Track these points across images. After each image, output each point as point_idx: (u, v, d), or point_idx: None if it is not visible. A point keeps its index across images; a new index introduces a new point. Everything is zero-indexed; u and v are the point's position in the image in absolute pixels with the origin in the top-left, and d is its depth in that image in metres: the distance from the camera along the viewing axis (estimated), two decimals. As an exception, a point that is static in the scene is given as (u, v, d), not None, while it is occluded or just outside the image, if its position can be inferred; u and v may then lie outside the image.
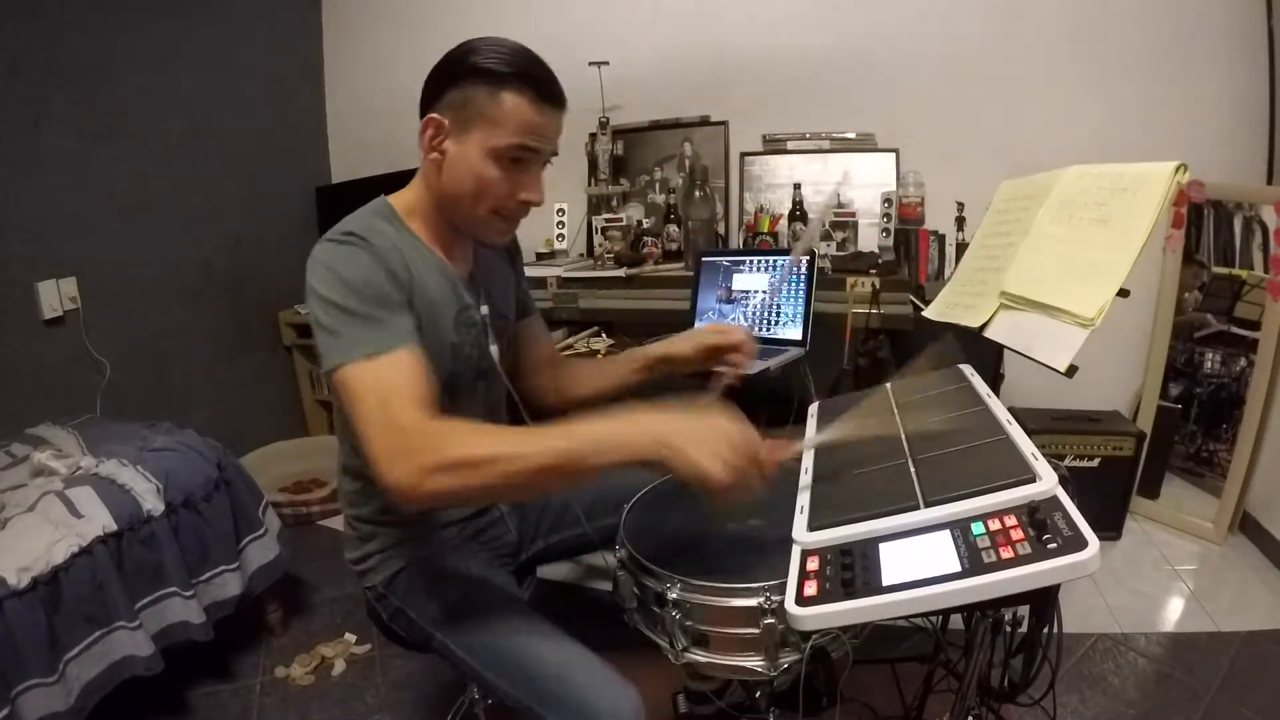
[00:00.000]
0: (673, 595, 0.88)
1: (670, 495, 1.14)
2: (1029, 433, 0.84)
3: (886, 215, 2.23)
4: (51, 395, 1.95)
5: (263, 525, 1.78)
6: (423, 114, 0.94)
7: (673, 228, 2.31)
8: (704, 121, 2.48)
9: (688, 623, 0.89)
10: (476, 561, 1.10)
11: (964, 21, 2.26)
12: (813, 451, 1.03)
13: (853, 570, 0.71)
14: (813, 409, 1.20)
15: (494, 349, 1.08)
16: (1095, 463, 2.06)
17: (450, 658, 1.01)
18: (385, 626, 1.12)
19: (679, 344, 1.17)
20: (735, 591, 0.86)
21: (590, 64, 2.41)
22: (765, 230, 2.25)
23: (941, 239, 2.22)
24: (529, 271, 2.22)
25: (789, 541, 0.81)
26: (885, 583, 0.69)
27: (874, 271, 1.94)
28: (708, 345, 1.14)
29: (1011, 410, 0.94)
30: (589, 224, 2.46)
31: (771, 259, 1.92)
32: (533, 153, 0.94)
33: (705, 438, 0.76)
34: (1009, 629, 0.95)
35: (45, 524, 1.40)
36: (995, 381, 1.92)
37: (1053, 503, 0.70)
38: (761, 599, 0.84)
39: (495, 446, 0.77)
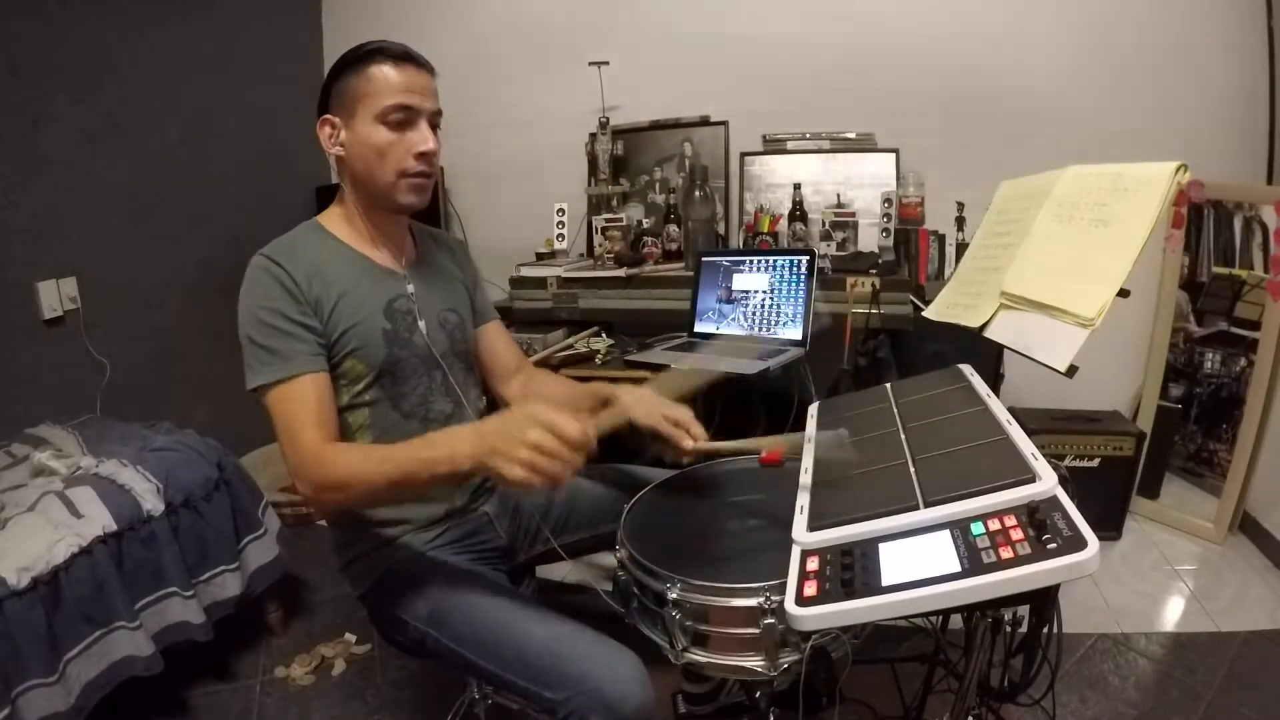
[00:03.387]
0: (673, 595, 0.88)
1: (670, 495, 1.14)
2: (1029, 433, 0.84)
3: (886, 215, 2.22)
4: (51, 395, 1.95)
5: (262, 525, 1.78)
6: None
7: (673, 228, 2.31)
8: (704, 121, 2.48)
9: (687, 623, 0.89)
10: (461, 559, 1.11)
11: (964, 21, 2.26)
12: (812, 451, 1.03)
13: (853, 570, 0.71)
14: (813, 409, 1.20)
15: (422, 324, 1.11)
16: (1095, 463, 2.06)
17: (445, 654, 1.01)
18: (384, 632, 1.12)
19: (631, 407, 1.09)
20: (735, 591, 0.86)
21: (590, 64, 2.41)
22: (765, 230, 2.25)
23: (941, 239, 2.22)
24: (528, 272, 2.26)
25: (789, 541, 0.81)
26: (885, 583, 0.69)
27: (874, 271, 1.94)
28: (646, 427, 1.10)
29: (1011, 410, 0.94)
30: (589, 224, 2.46)
31: (771, 259, 1.92)
32: (412, 111, 1.03)
33: (503, 445, 0.82)
34: (1009, 629, 0.95)
35: (45, 524, 1.40)
36: (995, 381, 1.92)
37: (1052, 503, 0.70)
38: (761, 599, 0.84)
39: (355, 470, 0.92)
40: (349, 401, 1.05)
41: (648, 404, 1.11)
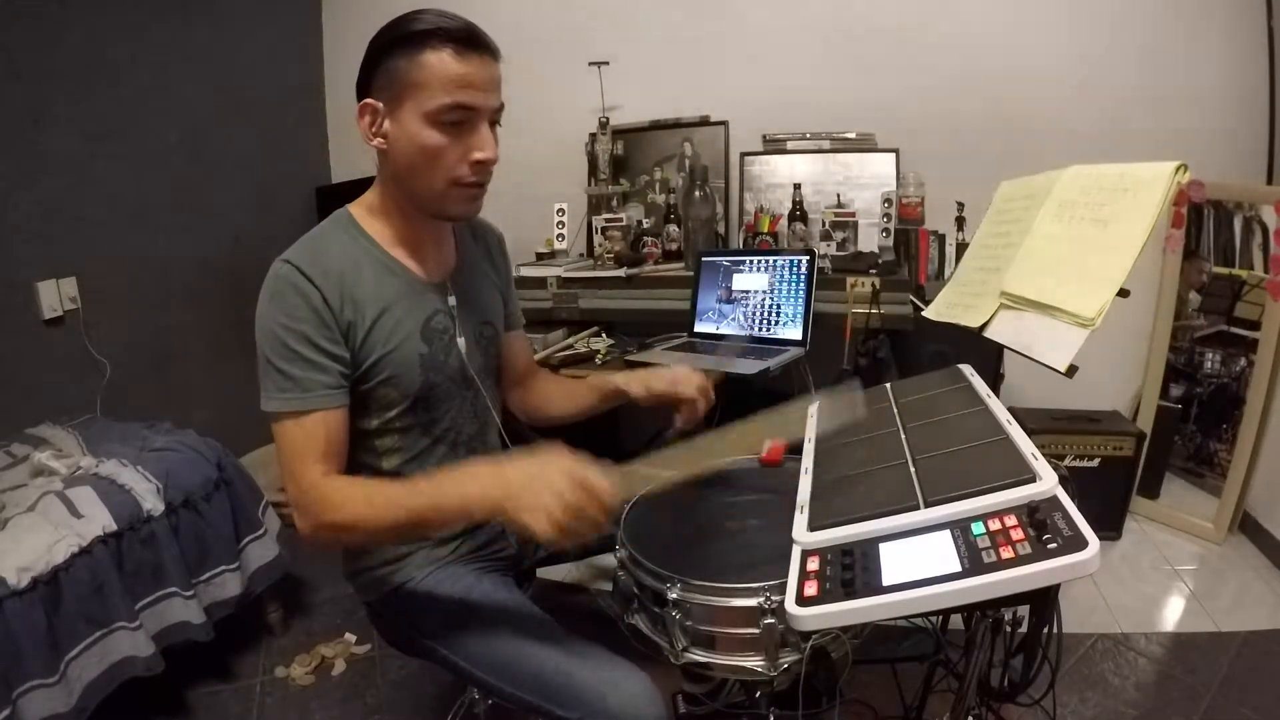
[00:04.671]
0: (673, 595, 0.88)
1: (670, 495, 1.14)
2: (1029, 433, 0.84)
3: (886, 215, 2.22)
4: (51, 395, 1.95)
5: (263, 525, 1.78)
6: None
7: (673, 228, 2.31)
8: (704, 121, 2.48)
9: (688, 623, 0.89)
10: (471, 569, 1.10)
11: (965, 21, 2.26)
12: (813, 452, 1.03)
13: (853, 570, 0.71)
14: (813, 409, 1.20)
15: (461, 342, 1.04)
16: (1095, 463, 2.06)
17: (455, 670, 1.01)
18: (389, 638, 1.12)
19: (634, 383, 1.13)
20: (735, 591, 0.86)
21: (590, 64, 2.41)
22: (765, 230, 2.25)
23: (941, 239, 2.22)
24: (528, 272, 2.26)
25: (789, 541, 0.81)
26: (885, 583, 0.69)
27: (874, 271, 1.94)
28: (656, 393, 1.11)
29: (1011, 410, 0.94)
30: (589, 224, 2.46)
31: (771, 259, 1.92)
32: (471, 110, 0.89)
33: (531, 498, 0.77)
34: (1009, 629, 0.95)
35: (45, 524, 1.40)
36: (995, 381, 1.91)
37: (1053, 503, 0.70)
38: (761, 599, 0.84)
39: (357, 515, 0.86)
40: (379, 426, 0.99)
41: (641, 378, 1.12)
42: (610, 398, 1.18)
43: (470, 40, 0.88)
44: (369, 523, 0.87)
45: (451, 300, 1.05)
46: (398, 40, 0.88)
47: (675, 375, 1.11)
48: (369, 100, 0.91)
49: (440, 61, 0.86)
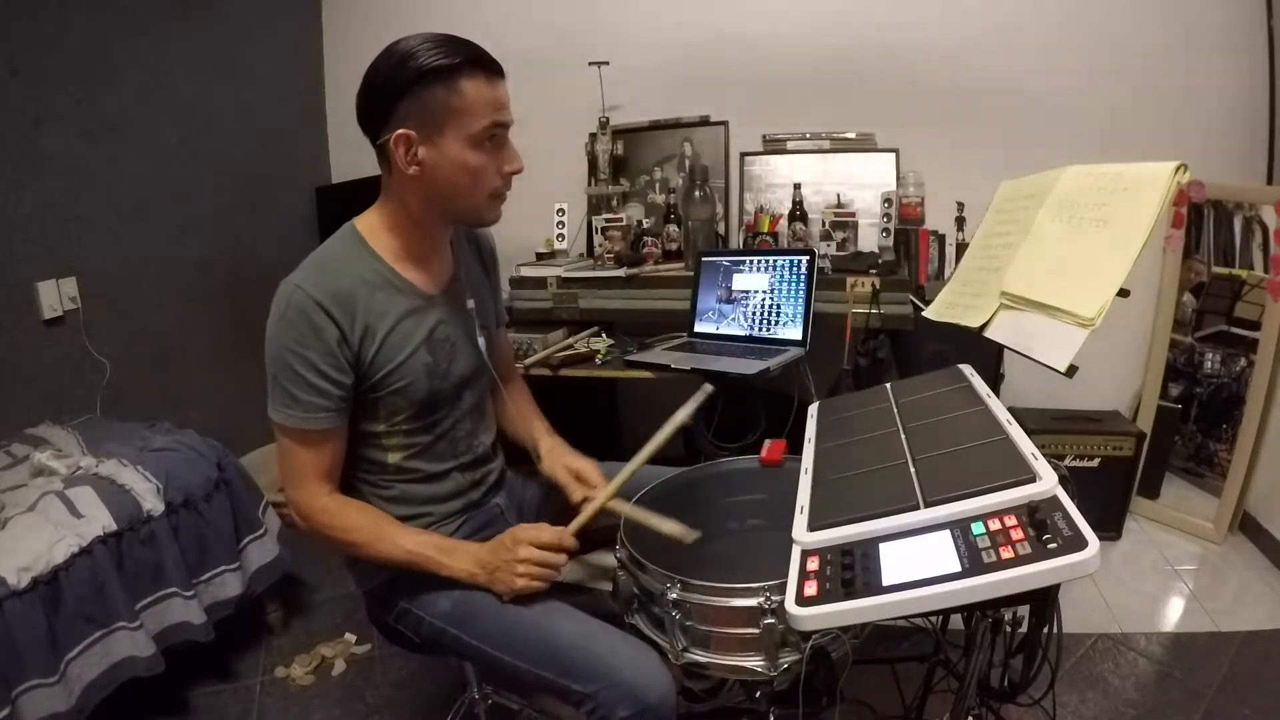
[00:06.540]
0: (673, 595, 0.88)
1: (670, 495, 1.14)
2: (1029, 433, 0.84)
3: (886, 215, 2.22)
4: (51, 395, 1.95)
5: (263, 525, 1.78)
6: (373, 136, 0.98)
7: (673, 228, 2.30)
8: (704, 121, 2.47)
9: (688, 623, 0.89)
10: None
11: (964, 21, 2.26)
12: (813, 452, 1.03)
13: (853, 570, 0.71)
14: (813, 409, 1.20)
15: (460, 349, 1.09)
16: (1095, 463, 2.06)
17: (463, 650, 1.02)
18: (389, 629, 1.12)
19: (551, 458, 1.18)
20: (735, 591, 0.86)
21: (590, 64, 2.41)
22: (765, 230, 2.25)
23: (941, 239, 2.22)
24: (528, 272, 2.26)
25: (789, 541, 0.81)
26: (885, 583, 0.69)
27: (874, 271, 1.94)
28: (556, 478, 1.15)
29: (1011, 410, 0.94)
30: (589, 224, 2.45)
31: (771, 259, 1.92)
32: (504, 128, 0.98)
33: (502, 569, 0.97)
34: (1009, 629, 0.95)
35: (45, 524, 1.40)
36: (995, 381, 1.92)
37: (1053, 503, 0.70)
38: (761, 599, 0.84)
39: (360, 538, 1.01)
40: (386, 429, 1.05)
41: (554, 455, 1.18)
42: (531, 448, 1.23)
43: (494, 65, 0.96)
44: (369, 548, 1.01)
45: (451, 310, 1.09)
46: (431, 72, 0.92)
47: (583, 472, 1.14)
48: (404, 131, 0.93)
49: (478, 88, 0.94)
